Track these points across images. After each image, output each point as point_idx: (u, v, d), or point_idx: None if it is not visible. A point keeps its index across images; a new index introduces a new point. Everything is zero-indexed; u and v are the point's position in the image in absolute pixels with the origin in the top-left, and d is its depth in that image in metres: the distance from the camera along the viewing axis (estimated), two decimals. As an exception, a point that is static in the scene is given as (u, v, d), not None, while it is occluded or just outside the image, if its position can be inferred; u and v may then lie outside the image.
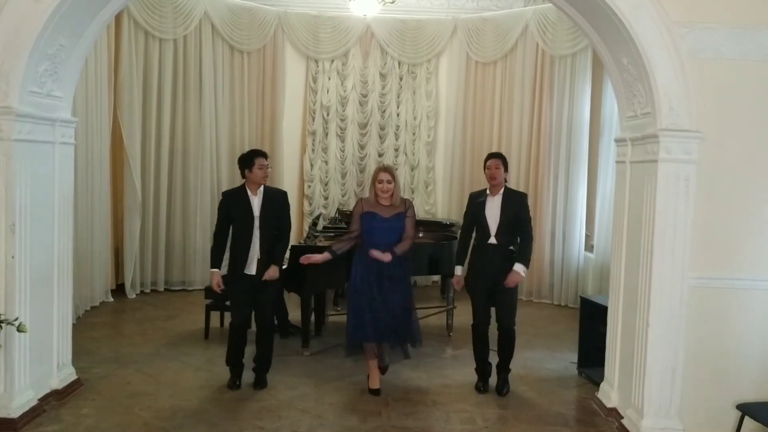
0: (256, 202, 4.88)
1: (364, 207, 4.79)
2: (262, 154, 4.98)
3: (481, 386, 5.05)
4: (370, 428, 4.28)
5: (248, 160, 4.92)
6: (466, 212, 5.19)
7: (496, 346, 5.04)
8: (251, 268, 4.87)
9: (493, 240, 4.90)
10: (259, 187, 4.92)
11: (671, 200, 4.07)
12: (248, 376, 5.04)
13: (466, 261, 5.17)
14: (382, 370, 5.03)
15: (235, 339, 5.01)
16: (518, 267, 4.84)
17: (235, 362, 5.03)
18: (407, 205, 4.85)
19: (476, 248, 5.06)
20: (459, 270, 5.14)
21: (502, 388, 4.98)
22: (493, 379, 5.09)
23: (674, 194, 4.07)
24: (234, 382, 4.97)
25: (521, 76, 8.57)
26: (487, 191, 5.03)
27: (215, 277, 4.91)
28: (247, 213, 4.87)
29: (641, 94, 4.25)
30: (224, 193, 5.12)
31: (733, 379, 4.19)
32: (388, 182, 4.72)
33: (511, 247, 4.93)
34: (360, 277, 4.79)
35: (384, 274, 4.73)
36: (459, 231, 5.52)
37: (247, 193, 4.91)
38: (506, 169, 5.01)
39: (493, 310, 5.06)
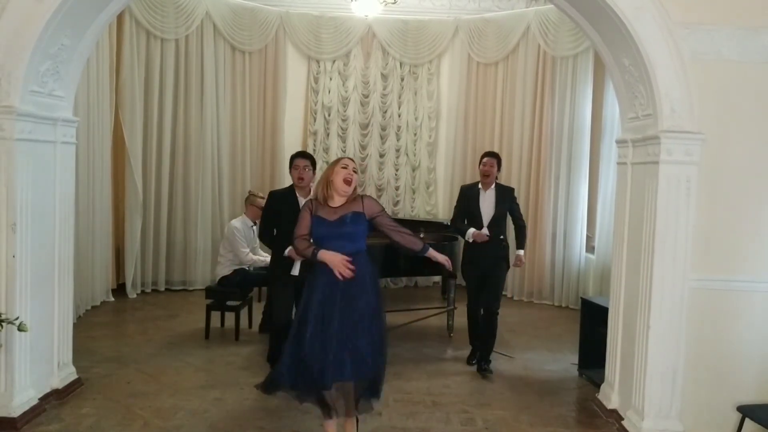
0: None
1: (313, 208, 3.70)
2: (301, 155, 5.17)
3: (473, 360, 5.63)
4: (370, 429, 4.27)
5: (290, 161, 5.13)
6: (457, 203, 5.75)
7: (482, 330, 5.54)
8: (296, 270, 4.86)
9: (485, 230, 5.45)
10: (308, 191, 4.98)
11: (672, 202, 4.07)
12: (250, 376, 5.04)
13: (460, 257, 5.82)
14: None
15: (279, 340, 4.89)
16: (520, 252, 5.59)
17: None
18: (365, 203, 3.67)
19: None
20: (472, 230, 5.47)
21: (484, 371, 5.41)
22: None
23: (675, 196, 4.06)
24: None
25: (523, 77, 8.56)
26: (479, 185, 5.57)
27: (293, 251, 4.26)
28: (294, 214, 4.66)
29: (642, 95, 4.25)
30: (271, 193, 5.30)
31: (734, 380, 4.18)
32: (354, 171, 3.69)
33: (502, 237, 5.51)
34: (311, 299, 3.59)
35: (349, 307, 3.54)
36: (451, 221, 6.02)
37: (295, 194, 5.03)
38: (500, 166, 5.61)
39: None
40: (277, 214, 4.95)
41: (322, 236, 3.63)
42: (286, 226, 4.47)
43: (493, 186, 5.54)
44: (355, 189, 3.70)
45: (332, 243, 3.60)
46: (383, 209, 3.79)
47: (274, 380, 3.58)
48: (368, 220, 3.67)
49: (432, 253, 3.83)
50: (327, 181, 3.67)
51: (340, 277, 3.51)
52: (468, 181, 9.07)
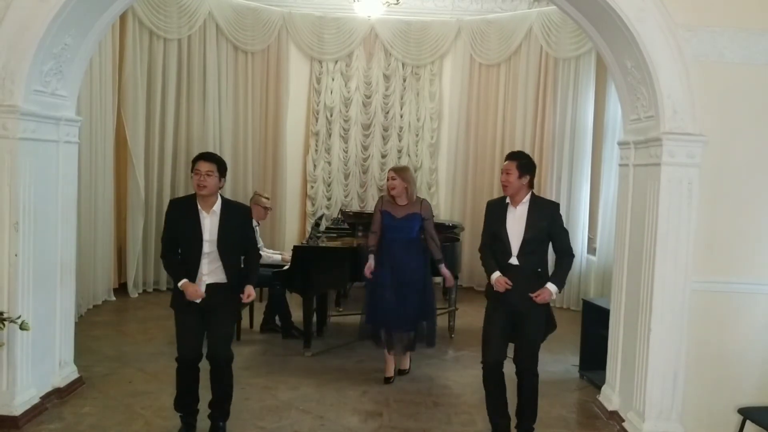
0: (207, 222, 3.85)
1: (383, 205, 5.17)
2: (203, 157, 3.90)
3: None
4: (371, 429, 4.28)
5: (192, 164, 3.93)
6: (484, 223, 4.21)
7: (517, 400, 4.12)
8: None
9: (514, 260, 3.97)
10: (213, 202, 3.87)
11: (674, 204, 4.07)
12: (250, 376, 5.03)
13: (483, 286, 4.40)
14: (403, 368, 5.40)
15: (182, 377, 4.13)
16: (550, 285, 3.95)
17: (185, 406, 4.14)
18: (423, 206, 5.14)
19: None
20: (497, 273, 4.00)
21: None
22: None
23: (677, 198, 4.06)
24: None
25: (525, 79, 8.57)
26: (507, 200, 4.07)
27: (189, 287, 3.85)
28: (194, 234, 3.85)
29: (645, 97, 4.25)
30: (172, 202, 4.12)
31: (735, 383, 4.19)
32: (392, 179, 5.09)
33: (540, 269, 4.02)
34: (382, 272, 5.11)
35: (405, 278, 5.07)
36: (480, 246, 4.28)
37: (196, 206, 3.86)
38: (527, 172, 3.99)
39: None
40: (175, 231, 3.90)
41: (388, 226, 5.10)
42: (185, 249, 3.90)
43: (526, 200, 4.01)
44: (407, 190, 5.08)
45: (395, 233, 5.09)
46: (432, 217, 5.25)
47: (364, 330, 5.34)
48: (422, 218, 5.12)
49: (443, 270, 5.29)
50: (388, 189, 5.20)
51: (368, 275, 5.17)
52: (469, 183, 9.11)
